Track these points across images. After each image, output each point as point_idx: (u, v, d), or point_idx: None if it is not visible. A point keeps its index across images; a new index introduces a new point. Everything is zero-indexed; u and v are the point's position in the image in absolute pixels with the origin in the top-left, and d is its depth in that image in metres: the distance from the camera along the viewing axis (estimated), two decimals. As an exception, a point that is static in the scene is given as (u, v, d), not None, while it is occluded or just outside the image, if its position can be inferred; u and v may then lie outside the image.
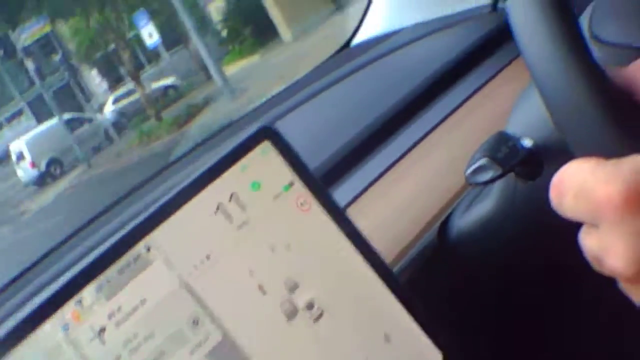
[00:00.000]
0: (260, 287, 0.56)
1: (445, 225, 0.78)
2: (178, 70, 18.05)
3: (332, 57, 1.44)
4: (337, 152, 0.96)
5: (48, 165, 12.94)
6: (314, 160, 0.88)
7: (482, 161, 0.60)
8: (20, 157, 12.92)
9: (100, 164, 13.41)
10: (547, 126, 0.58)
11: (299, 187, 0.59)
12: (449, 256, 0.78)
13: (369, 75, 1.22)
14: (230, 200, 0.57)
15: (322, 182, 0.60)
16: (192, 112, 14.11)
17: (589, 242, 0.45)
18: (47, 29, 17.19)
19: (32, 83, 17.29)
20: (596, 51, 0.57)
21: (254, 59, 16.21)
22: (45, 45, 17.28)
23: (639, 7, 0.59)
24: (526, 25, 0.49)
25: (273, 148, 0.58)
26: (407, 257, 0.77)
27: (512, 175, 0.64)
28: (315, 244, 0.58)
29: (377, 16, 1.40)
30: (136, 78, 17.45)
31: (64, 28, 18.08)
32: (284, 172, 0.58)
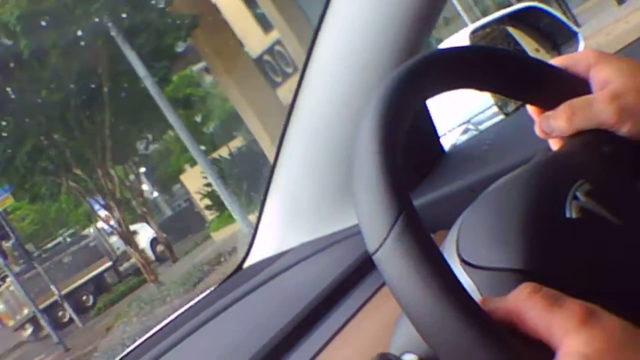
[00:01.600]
0: None
1: None
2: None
3: (225, 280, 1.46)
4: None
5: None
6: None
7: None
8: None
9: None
10: None
11: None
12: None
13: (257, 298, 1.23)
14: None
15: None
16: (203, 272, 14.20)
17: None
18: (9, 201, 16.44)
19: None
20: (468, 277, 0.58)
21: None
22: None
23: (506, 227, 0.59)
24: (398, 279, 0.52)
25: None
26: None
27: None
28: None
29: (266, 238, 1.44)
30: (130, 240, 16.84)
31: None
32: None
